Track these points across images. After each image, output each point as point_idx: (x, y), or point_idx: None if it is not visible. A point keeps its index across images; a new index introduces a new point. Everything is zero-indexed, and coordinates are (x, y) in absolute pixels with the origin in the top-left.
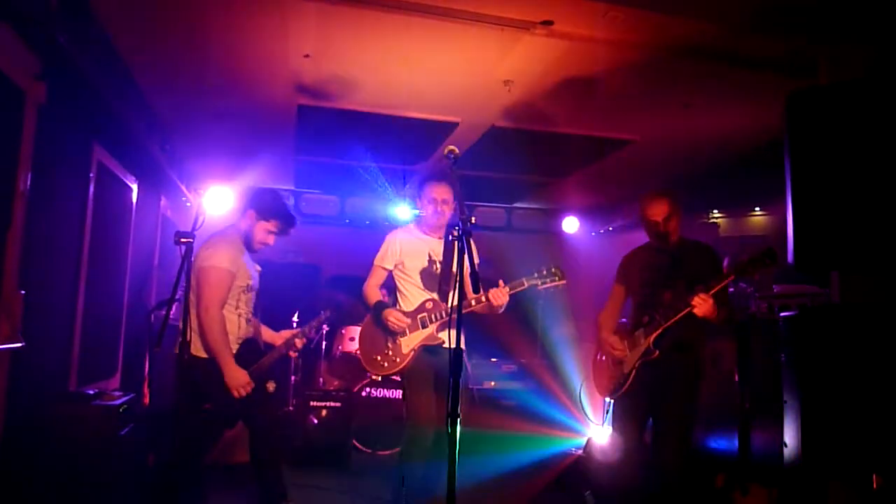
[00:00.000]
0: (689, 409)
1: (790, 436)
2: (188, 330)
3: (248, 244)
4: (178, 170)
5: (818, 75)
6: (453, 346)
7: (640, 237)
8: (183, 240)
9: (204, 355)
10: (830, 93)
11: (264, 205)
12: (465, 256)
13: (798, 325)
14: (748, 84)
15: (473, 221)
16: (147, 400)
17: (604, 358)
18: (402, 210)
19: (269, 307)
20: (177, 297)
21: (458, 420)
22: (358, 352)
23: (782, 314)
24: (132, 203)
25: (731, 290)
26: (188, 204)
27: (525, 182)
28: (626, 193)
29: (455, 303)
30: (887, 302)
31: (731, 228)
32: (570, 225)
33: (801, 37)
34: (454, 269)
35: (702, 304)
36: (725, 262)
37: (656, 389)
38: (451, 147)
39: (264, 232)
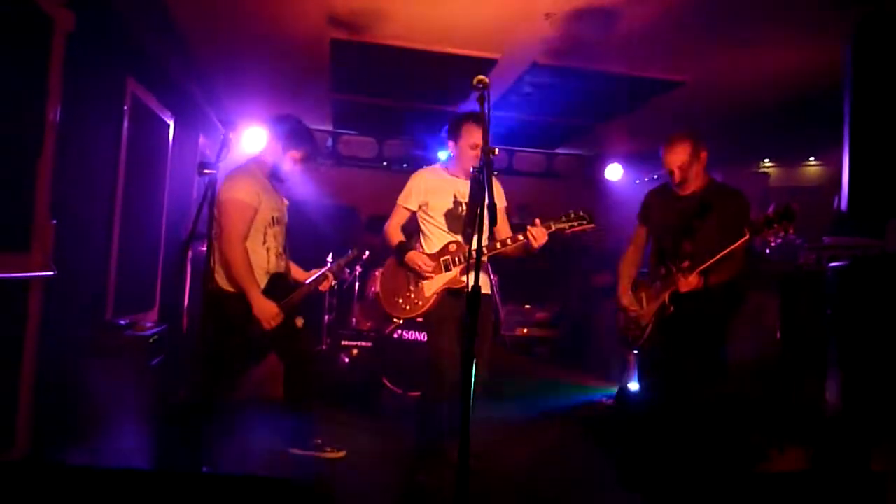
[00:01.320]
0: (712, 354)
1: (832, 393)
2: (212, 262)
3: (276, 174)
4: (216, 109)
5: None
6: (472, 285)
7: None
8: (206, 171)
9: (231, 289)
10: None
11: (290, 133)
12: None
13: (847, 277)
14: (809, 18)
15: (496, 153)
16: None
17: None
18: (440, 153)
19: (305, 247)
20: (200, 230)
21: (475, 362)
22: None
23: (830, 265)
24: (168, 138)
25: (778, 241)
26: (227, 143)
27: (567, 125)
28: None
29: (481, 244)
30: None
31: (783, 178)
32: (614, 172)
33: None
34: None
35: (685, 284)
36: (771, 209)
37: (676, 341)
38: (481, 77)
39: (291, 161)
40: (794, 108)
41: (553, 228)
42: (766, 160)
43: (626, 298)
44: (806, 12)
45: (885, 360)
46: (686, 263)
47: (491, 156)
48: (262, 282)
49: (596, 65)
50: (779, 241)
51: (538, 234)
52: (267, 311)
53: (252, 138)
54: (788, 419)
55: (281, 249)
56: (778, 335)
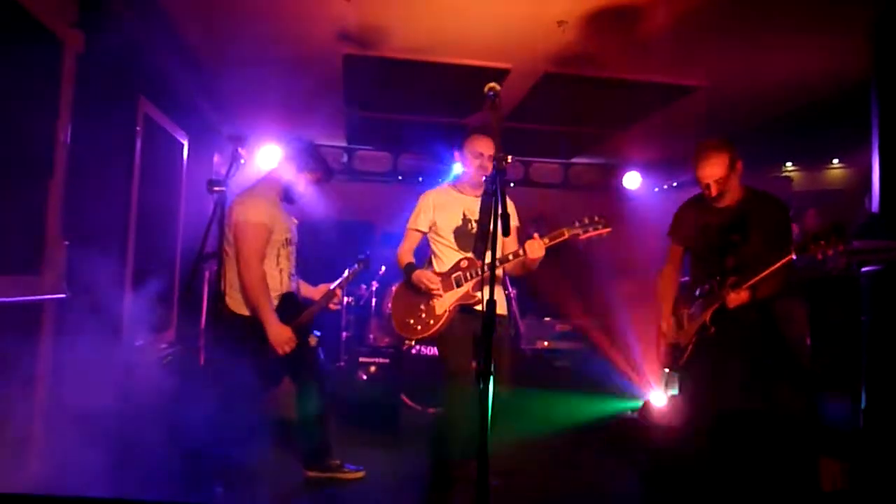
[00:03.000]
0: (760, 370)
1: (870, 403)
2: (223, 282)
3: (288, 196)
4: (231, 128)
5: None
6: (486, 300)
7: None
8: (216, 188)
9: (245, 312)
10: None
11: (304, 156)
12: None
13: (883, 282)
14: (829, 16)
15: (509, 161)
16: (202, 357)
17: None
18: (455, 166)
19: (320, 263)
20: (209, 249)
21: (492, 377)
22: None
23: (864, 269)
24: (183, 158)
25: (828, 255)
26: (242, 161)
27: (582, 135)
28: (693, 146)
29: (492, 256)
30: None
31: (807, 182)
32: (632, 180)
33: None
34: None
35: (734, 299)
36: (808, 217)
37: (719, 358)
38: (492, 84)
39: (304, 183)
40: (814, 111)
41: (567, 235)
42: (789, 164)
43: (665, 324)
44: (822, 13)
45: None
46: (733, 279)
47: (504, 163)
48: (275, 303)
49: (610, 72)
50: (829, 255)
51: (533, 247)
52: (282, 336)
53: (265, 156)
54: (822, 431)
55: (293, 270)
56: (808, 342)
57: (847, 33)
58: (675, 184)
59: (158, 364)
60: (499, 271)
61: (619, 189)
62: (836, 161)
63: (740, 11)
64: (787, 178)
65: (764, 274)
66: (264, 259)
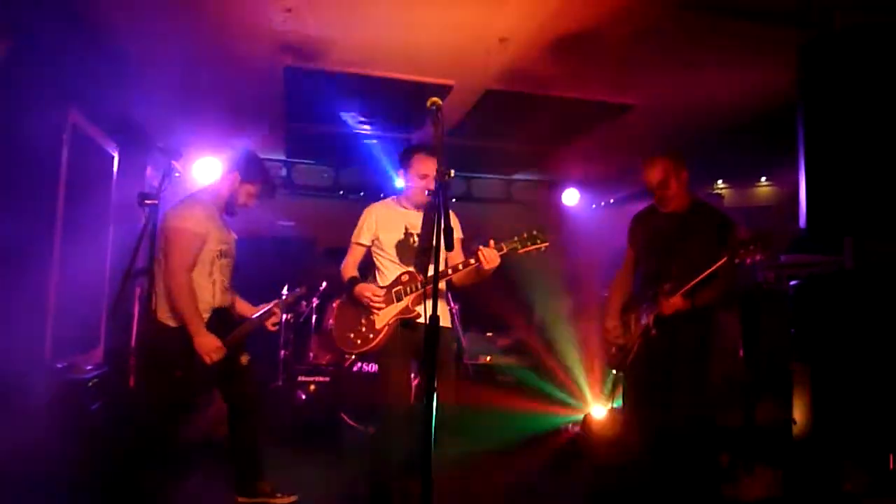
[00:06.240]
0: (697, 379)
1: (800, 412)
2: (154, 296)
3: (229, 207)
4: (166, 140)
5: (834, 27)
6: (430, 315)
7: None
8: (148, 201)
9: (173, 324)
10: (846, 39)
11: (247, 167)
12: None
13: (809, 294)
14: (757, 40)
15: (452, 175)
16: (132, 379)
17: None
18: (399, 181)
19: (258, 280)
20: (139, 264)
21: (435, 395)
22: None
23: (792, 282)
24: (112, 170)
25: (755, 260)
26: (176, 175)
27: (523, 152)
28: (627, 163)
29: (437, 270)
30: None
31: (736, 199)
32: (571, 197)
33: None
34: (433, 241)
35: (668, 306)
36: (739, 232)
37: (661, 363)
38: (434, 99)
39: (246, 194)
40: (743, 129)
41: (505, 250)
42: (720, 182)
43: (611, 322)
44: (752, 34)
45: (850, 376)
46: (669, 286)
47: (447, 177)
48: (206, 316)
49: (550, 90)
50: (755, 260)
51: (489, 256)
52: (208, 344)
53: (201, 169)
54: (756, 439)
55: (227, 283)
56: (741, 353)
57: (776, 56)
58: (612, 200)
59: (83, 386)
60: (442, 285)
61: (560, 206)
62: (763, 179)
63: (676, 33)
64: (719, 195)
65: (696, 280)
66: (193, 269)
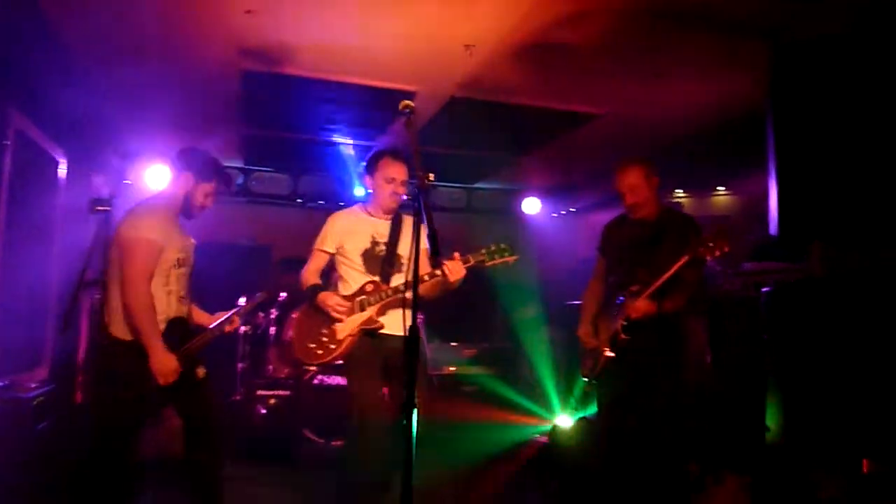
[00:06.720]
0: (668, 388)
1: (773, 419)
2: (106, 308)
3: (186, 210)
4: (116, 143)
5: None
6: (396, 331)
7: (603, 219)
8: (99, 208)
9: (127, 337)
10: (816, 49)
11: (201, 166)
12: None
13: (782, 300)
14: (721, 51)
15: (432, 179)
16: (79, 395)
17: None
18: (358, 189)
19: (215, 290)
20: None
21: (415, 410)
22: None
23: (764, 289)
24: (58, 176)
25: (716, 257)
26: (128, 181)
27: (486, 160)
28: (588, 173)
29: (407, 280)
30: (875, 274)
31: (695, 208)
32: (531, 206)
33: None
34: (400, 249)
35: (634, 309)
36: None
37: (632, 372)
38: (406, 101)
39: (203, 195)
40: (703, 139)
41: (472, 262)
42: (679, 190)
43: (583, 329)
44: (716, 46)
45: (824, 382)
46: (636, 287)
47: (426, 182)
48: (162, 328)
49: (514, 98)
50: (716, 257)
51: (454, 268)
52: (165, 365)
53: (155, 174)
54: (725, 447)
55: (184, 293)
56: (708, 359)
57: (739, 67)
58: (573, 209)
59: (28, 405)
60: (407, 294)
61: (521, 214)
62: (721, 188)
63: (641, 43)
64: (679, 203)
65: (661, 280)
66: (152, 279)
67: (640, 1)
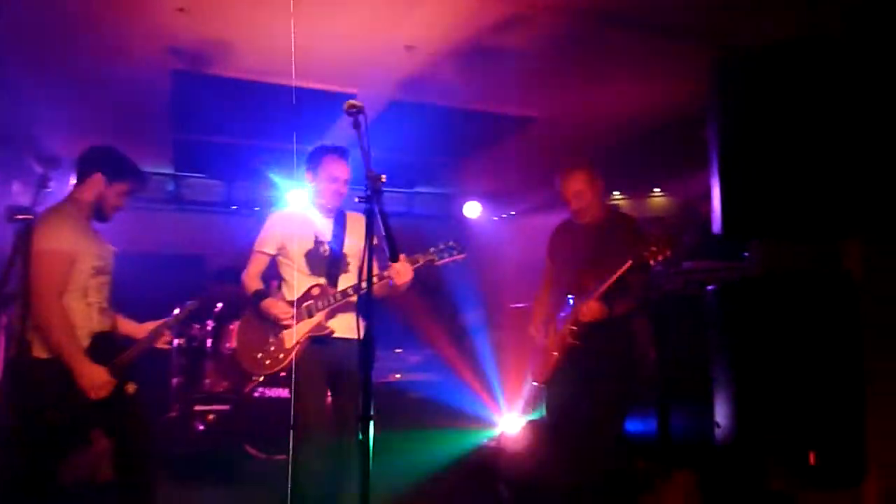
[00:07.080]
0: (620, 390)
1: (723, 416)
2: (22, 326)
3: (99, 213)
4: (35, 146)
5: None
6: (347, 335)
7: (544, 221)
8: (19, 216)
9: (45, 355)
10: (757, 54)
11: (113, 165)
12: (372, 225)
13: (728, 298)
14: (661, 54)
15: (384, 179)
16: None
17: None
18: (295, 195)
19: (146, 301)
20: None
21: (371, 423)
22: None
23: (709, 287)
24: None
25: (659, 260)
26: (49, 189)
27: (426, 164)
28: (527, 176)
29: (357, 283)
30: (817, 269)
31: (632, 210)
32: (472, 210)
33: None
34: (345, 249)
35: (584, 312)
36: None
37: (581, 375)
38: (352, 101)
39: (115, 196)
40: (640, 141)
41: (421, 262)
42: (616, 192)
43: (533, 329)
44: (657, 49)
45: (771, 378)
46: (585, 290)
47: (379, 183)
48: (85, 343)
49: (454, 101)
50: (658, 262)
51: (402, 270)
52: (94, 378)
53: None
54: (670, 445)
55: (106, 304)
56: (652, 356)
57: (677, 70)
58: (513, 213)
59: None
60: (354, 297)
61: (463, 218)
62: (657, 190)
63: (581, 46)
64: (616, 205)
65: (609, 282)
66: (64, 293)
67: (582, 3)
